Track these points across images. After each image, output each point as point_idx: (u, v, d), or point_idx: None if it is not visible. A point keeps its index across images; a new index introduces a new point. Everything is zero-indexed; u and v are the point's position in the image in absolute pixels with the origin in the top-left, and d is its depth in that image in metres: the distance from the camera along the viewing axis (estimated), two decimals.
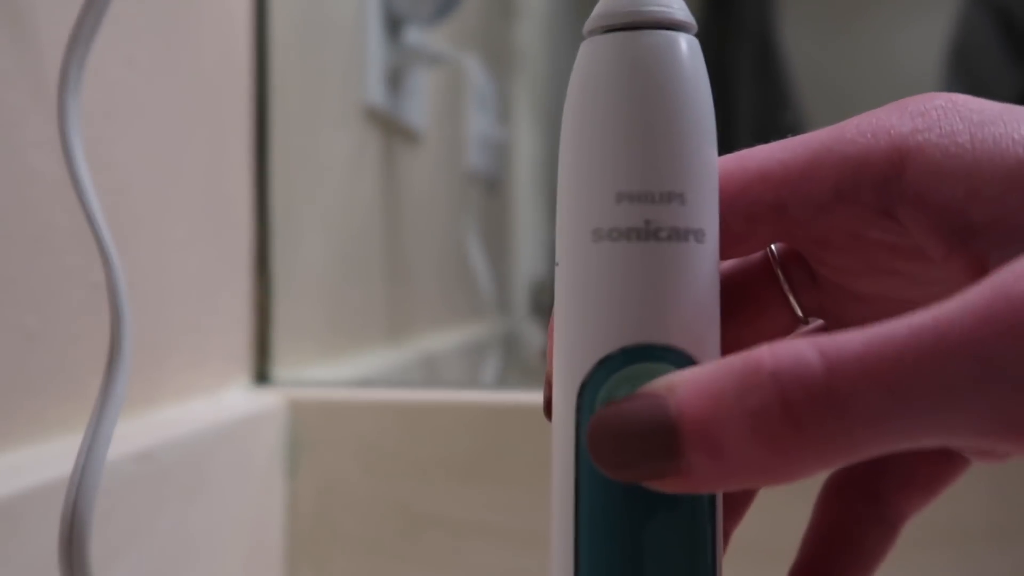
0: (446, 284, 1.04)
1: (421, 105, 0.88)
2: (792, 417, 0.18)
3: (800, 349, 0.18)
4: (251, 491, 0.51)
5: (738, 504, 0.27)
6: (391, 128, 0.83)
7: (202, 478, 0.46)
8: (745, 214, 0.24)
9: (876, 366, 0.18)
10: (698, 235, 0.22)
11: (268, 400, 0.55)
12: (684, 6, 0.23)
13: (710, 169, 0.23)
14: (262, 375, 0.60)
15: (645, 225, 0.22)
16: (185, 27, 0.51)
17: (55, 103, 0.36)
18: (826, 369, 0.18)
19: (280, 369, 0.61)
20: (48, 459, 0.37)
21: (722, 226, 0.23)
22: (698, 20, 0.23)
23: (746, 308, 0.26)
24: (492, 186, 1.22)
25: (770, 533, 0.27)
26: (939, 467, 0.26)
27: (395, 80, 0.81)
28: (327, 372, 0.68)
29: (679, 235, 0.22)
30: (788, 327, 0.27)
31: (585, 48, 0.23)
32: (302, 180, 0.66)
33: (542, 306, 1.25)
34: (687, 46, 0.23)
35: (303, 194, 0.66)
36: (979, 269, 0.21)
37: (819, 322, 0.27)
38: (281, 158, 0.62)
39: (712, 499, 0.23)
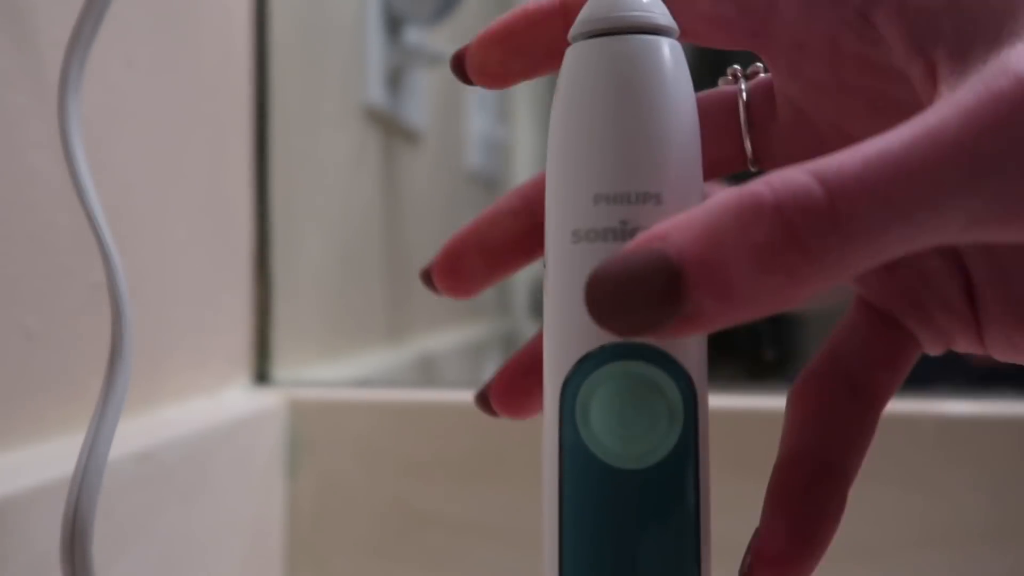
0: None
1: (421, 105, 0.88)
2: (799, 245, 0.18)
3: (798, 179, 0.18)
4: (251, 491, 0.51)
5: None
6: (391, 128, 0.83)
7: (202, 478, 0.46)
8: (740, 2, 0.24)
9: (877, 184, 0.18)
10: None
11: (268, 400, 0.55)
12: (665, 11, 0.23)
13: (690, 170, 0.23)
14: (262, 375, 0.60)
15: (621, 226, 0.22)
16: (185, 27, 0.51)
17: (55, 103, 0.36)
18: (828, 194, 0.18)
19: (280, 369, 0.61)
20: (49, 459, 0.37)
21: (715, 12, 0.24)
22: None
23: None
24: (492, 186, 1.22)
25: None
26: (897, 341, 0.26)
27: (395, 80, 0.81)
28: (327, 372, 0.68)
29: None
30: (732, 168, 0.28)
31: (569, 54, 0.23)
32: (302, 180, 0.66)
33: (542, 306, 1.25)
34: (668, 50, 0.23)
35: (303, 194, 0.66)
36: (932, 69, 0.21)
37: None
38: (281, 158, 0.62)
39: (696, 490, 0.23)
